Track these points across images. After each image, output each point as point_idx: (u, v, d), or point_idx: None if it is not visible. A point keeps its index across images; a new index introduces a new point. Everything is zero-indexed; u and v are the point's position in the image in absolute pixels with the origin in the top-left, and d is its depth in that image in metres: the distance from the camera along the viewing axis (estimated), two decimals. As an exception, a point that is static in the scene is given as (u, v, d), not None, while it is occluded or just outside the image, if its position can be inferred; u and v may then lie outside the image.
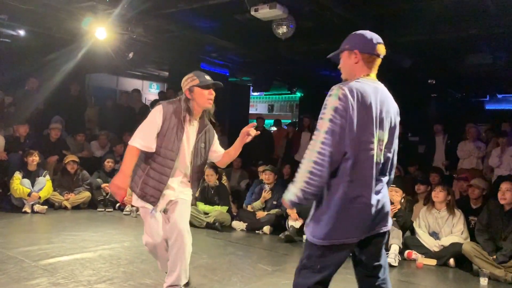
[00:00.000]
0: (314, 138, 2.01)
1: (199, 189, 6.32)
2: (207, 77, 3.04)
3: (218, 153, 3.23)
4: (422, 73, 9.41)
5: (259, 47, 8.42)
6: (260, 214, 5.93)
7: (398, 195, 5.16)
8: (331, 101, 1.99)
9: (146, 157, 2.90)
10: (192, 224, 5.77)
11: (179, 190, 3.00)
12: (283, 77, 11.62)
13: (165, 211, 3.03)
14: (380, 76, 2.24)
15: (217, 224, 5.73)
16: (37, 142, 7.31)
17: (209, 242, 5.15)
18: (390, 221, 2.22)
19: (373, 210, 2.07)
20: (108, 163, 7.21)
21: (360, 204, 2.04)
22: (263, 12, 5.51)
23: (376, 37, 2.18)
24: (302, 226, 5.38)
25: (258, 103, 15.56)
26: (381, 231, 2.18)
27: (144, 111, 9.48)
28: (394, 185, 5.13)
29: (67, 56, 8.26)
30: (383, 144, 2.13)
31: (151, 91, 14.47)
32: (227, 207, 6.08)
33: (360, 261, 2.22)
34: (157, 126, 2.87)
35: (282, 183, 6.33)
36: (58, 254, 4.09)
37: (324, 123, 1.98)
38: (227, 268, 3.99)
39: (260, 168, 6.49)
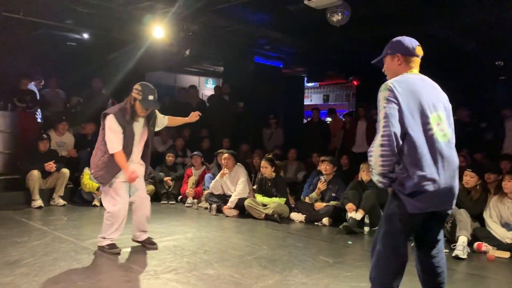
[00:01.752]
0: (377, 127, 2.28)
1: (257, 180, 6.40)
2: (150, 98, 3.93)
3: (164, 124, 4.46)
4: (488, 55, 8.83)
5: (312, 37, 8.30)
6: (319, 206, 5.89)
7: (473, 180, 4.88)
8: (382, 94, 2.30)
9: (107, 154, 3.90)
10: (250, 216, 5.93)
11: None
12: (338, 66, 11.40)
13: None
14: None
15: (275, 215, 5.76)
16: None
17: (269, 234, 5.19)
18: (454, 203, 2.42)
19: (438, 187, 2.27)
20: (169, 158, 7.47)
21: (426, 181, 2.25)
22: (317, 1, 5.42)
23: (414, 41, 2.50)
24: (363, 218, 5.27)
25: (312, 94, 15.38)
26: (446, 212, 2.44)
27: (201, 106, 9.72)
28: (470, 170, 4.89)
29: (128, 56, 8.64)
30: (443, 124, 2.37)
31: (207, 86, 14.79)
32: (285, 199, 6.09)
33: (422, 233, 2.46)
34: (120, 132, 3.87)
35: (340, 175, 6.24)
36: (126, 245, 4.29)
37: (380, 112, 2.28)
38: (288, 259, 4.01)
39: (321, 158, 6.39)
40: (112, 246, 4.01)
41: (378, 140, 2.24)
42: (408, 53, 2.46)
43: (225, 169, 6.33)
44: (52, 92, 8.51)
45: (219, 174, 6.42)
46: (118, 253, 3.96)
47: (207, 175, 6.96)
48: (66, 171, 6.49)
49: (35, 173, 6.19)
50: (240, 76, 9.86)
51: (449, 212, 2.47)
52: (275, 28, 7.92)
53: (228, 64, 10.80)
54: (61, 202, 6.38)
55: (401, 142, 2.25)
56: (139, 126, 4.06)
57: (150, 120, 4.16)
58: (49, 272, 3.42)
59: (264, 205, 6.01)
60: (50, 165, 6.32)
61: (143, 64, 9.36)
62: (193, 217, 6.12)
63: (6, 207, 5.92)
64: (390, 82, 2.31)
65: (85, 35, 8.78)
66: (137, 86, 3.97)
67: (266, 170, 6.14)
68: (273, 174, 6.18)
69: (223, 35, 8.38)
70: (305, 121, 11.87)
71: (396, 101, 2.24)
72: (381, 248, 2.36)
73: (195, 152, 7.35)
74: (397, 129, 2.22)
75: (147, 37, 7.50)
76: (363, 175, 5.66)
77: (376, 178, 2.32)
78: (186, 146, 8.34)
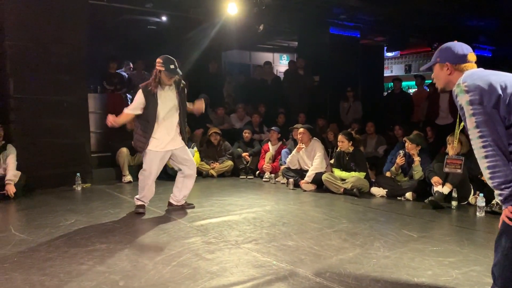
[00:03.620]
0: (471, 137, 2.05)
1: (334, 155, 6.26)
2: (172, 66, 4.29)
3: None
4: None
5: (392, 2, 7.82)
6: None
7: None
8: (462, 98, 2.06)
9: (140, 122, 4.48)
10: (329, 190, 5.84)
11: (170, 139, 4.50)
12: (421, 33, 10.66)
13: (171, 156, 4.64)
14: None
15: (355, 190, 5.62)
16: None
17: (348, 208, 5.08)
18: None
19: None
20: (246, 134, 7.57)
21: None
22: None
23: (465, 48, 2.26)
24: (450, 192, 4.95)
25: (393, 64, 14.62)
26: None
27: (276, 82, 9.70)
28: None
29: (203, 36, 8.82)
30: None
31: (281, 62, 14.71)
32: (364, 173, 5.90)
33: None
34: (142, 102, 4.38)
35: (425, 149, 5.87)
36: (208, 217, 4.47)
37: (470, 120, 2.04)
38: (369, 233, 3.89)
39: (404, 138, 6.01)
40: (139, 206, 4.63)
41: (480, 152, 2.00)
42: (459, 61, 2.23)
43: (301, 143, 6.27)
44: (139, 74, 8.98)
45: (295, 149, 6.38)
46: (141, 213, 4.56)
47: (284, 150, 6.96)
48: (151, 148, 6.85)
49: (124, 150, 6.63)
50: (315, 49, 9.62)
51: None
52: (351, -5, 7.58)
53: (302, 37, 10.58)
54: (148, 177, 6.77)
55: (505, 142, 1.98)
56: (169, 95, 4.47)
57: (178, 88, 4.53)
58: (139, 240, 3.67)
59: (343, 179, 5.88)
60: (137, 143, 6.71)
61: (218, 43, 9.51)
62: (270, 191, 6.19)
63: (100, 182, 6.44)
64: (463, 80, 2.08)
65: (164, 18, 9.10)
66: (158, 60, 4.35)
67: (343, 144, 5.97)
68: (351, 148, 6.00)
69: (297, 7, 8.21)
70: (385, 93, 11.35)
71: (480, 100, 1.99)
72: (508, 245, 2.07)
73: (273, 127, 7.37)
74: (496, 133, 1.97)
75: (221, 15, 7.57)
76: (449, 149, 5.28)
77: (496, 197, 2.04)
78: (263, 122, 8.39)
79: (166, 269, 2.98)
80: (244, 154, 7.35)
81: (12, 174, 5.35)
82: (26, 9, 5.76)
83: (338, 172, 6.02)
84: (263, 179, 6.88)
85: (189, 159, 4.73)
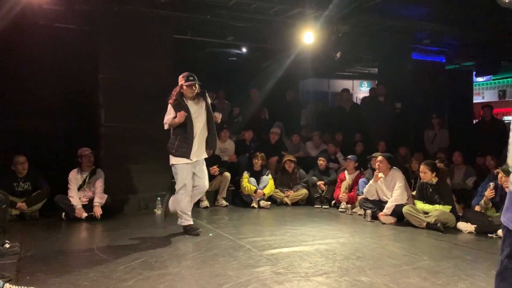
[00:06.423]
0: None
1: (417, 186, 5.89)
2: (191, 78, 4.71)
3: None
4: None
5: (481, 24, 7.34)
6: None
7: None
8: None
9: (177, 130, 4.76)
10: (410, 224, 5.47)
11: (199, 151, 4.78)
12: (515, 56, 9.84)
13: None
14: None
15: (439, 224, 5.20)
16: (260, 145, 8.11)
17: (431, 244, 4.70)
18: None
19: None
20: (320, 162, 7.41)
21: None
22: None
23: None
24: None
25: (485, 90, 13.61)
26: None
27: (355, 110, 9.49)
28: None
29: (280, 65, 8.96)
30: None
31: (361, 89, 14.44)
32: (450, 207, 5.45)
33: None
34: (173, 114, 4.70)
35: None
36: (279, 246, 4.39)
37: None
38: (452, 272, 3.54)
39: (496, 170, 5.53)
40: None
41: None
42: None
43: (379, 173, 5.99)
44: (221, 104, 9.31)
45: (373, 178, 6.11)
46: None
47: (361, 180, 6.70)
48: (228, 174, 7.01)
49: (202, 176, 6.83)
50: (396, 75, 9.30)
51: None
52: (435, 19, 7.23)
53: (383, 64, 10.30)
54: (224, 203, 6.91)
55: None
56: (195, 106, 4.77)
57: (205, 101, 4.84)
58: (209, 267, 3.69)
59: (426, 213, 5.49)
60: (214, 169, 6.90)
61: (295, 71, 9.58)
62: (346, 222, 5.95)
63: (179, 206, 6.67)
64: None
65: (244, 49, 9.41)
66: (180, 76, 4.75)
67: (426, 175, 5.60)
68: (435, 180, 5.60)
69: (376, 34, 8.04)
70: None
71: None
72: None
73: (349, 156, 7.16)
74: None
75: (298, 44, 7.65)
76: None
77: None
78: (339, 150, 8.20)
79: (233, 298, 2.95)
80: (319, 182, 7.19)
81: (100, 197, 5.76)
82: (117, 45, 6.31)
83: (420, 205, 5.63)
84: (339, 210, 6.65)
85: (204, 172, 4.93)
